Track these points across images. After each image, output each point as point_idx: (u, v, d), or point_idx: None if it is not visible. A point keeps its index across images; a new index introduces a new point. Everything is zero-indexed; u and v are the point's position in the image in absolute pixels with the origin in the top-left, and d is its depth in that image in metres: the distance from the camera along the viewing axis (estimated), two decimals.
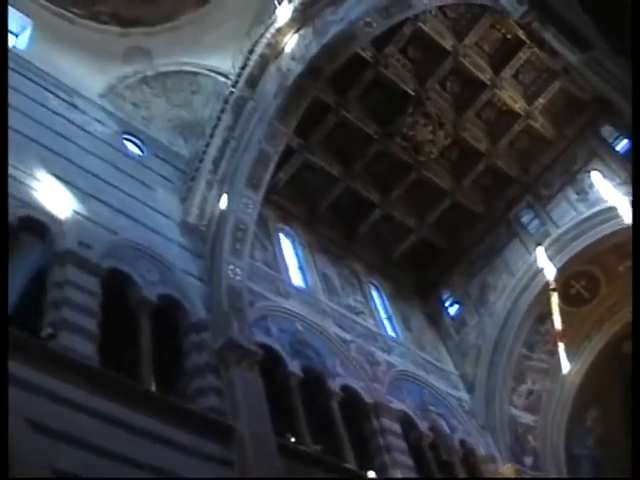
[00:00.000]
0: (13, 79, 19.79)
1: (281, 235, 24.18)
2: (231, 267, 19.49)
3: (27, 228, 16.35)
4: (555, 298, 25.21)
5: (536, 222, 26.47)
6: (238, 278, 19.40)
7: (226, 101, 22.23)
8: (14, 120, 18.22)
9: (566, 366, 25.56)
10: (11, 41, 22.46)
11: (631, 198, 21.80)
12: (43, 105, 20.30)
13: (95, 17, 24.19)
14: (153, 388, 15.54)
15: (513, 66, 25.04)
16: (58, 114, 20.49)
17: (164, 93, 24.09)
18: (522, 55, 24.78)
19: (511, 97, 25.62)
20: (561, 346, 25.52)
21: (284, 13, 21.91)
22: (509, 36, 24.57)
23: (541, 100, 25.85)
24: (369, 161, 25.62)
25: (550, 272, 25.13)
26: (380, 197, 26.33)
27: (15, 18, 22.63)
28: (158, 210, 20.23)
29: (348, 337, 22.09)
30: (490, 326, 25.94)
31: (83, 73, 22.74)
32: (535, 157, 26.93)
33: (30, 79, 20.82)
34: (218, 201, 20.83)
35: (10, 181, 16.36)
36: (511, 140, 26.51)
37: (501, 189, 27.29)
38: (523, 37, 23.89)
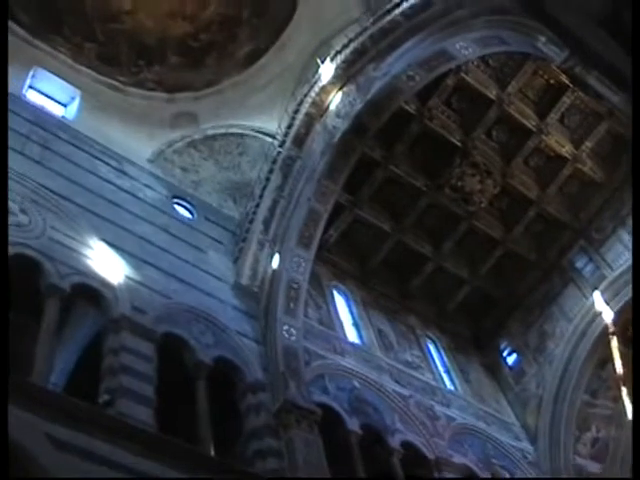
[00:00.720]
0: (63, 148, 20.23)
1: (335, 292, 23.79)
2: (286, 327, 19.21)
3: (81, 295, 16.45)
4: (615, 342, 24.27)
5: (591, 266, 25.68)
6: (293, 338, 19.09)
7: (274, 161, 22.20)
8: (65, 189, 18.59)
9: (631, 411, 24.49)
10: (60, 111, 22.90)
11: None
12: (93, 173, 20.47)
13: (141, 84, 24.67)
14: (212, 452, 15.16)
15: (558, 111, 24.56)
16: (108, 181, 20.63)
17: (212, 156, 24.19)
18: (566, 99, 24.33)
19: (558, 142, 25.09)
20: (624, 391, 24.47)
21: (327, 71, 22.00)
22: (552, 81, 24.17)
23: (588, 143, 25.26)
24: (419, 214, 25.23)
25: (608, 315, 24.25)
26: (432, 249, 25.85)
27: (64, 89, 23.30)
28: (210, 272, 20.09)
29: (406, 392, 21.47)
30: (550, 374, 25.04)
31: (131, 140, 23.01)
32: (585, 201, 26.22)
33: (79, 148, 21.07)
34: (270, 261, 20.65)
35: (63, 249, 16.61)
36: (560, 185, 25.89)
37: (553, 235, 26.59)
38: (566, 81, 23.50)
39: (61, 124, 21.65)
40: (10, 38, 22.42)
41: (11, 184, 17.10)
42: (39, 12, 23.81)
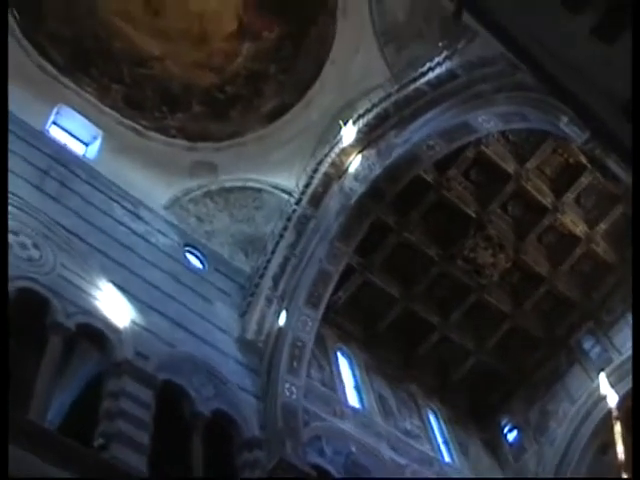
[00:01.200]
0: (81, 187, 20.58)
1: (339, 354, 23.82)
2: (287, 385, 19.25)
3: (85, 335, 16.63)
4: (618, 427, 24.05)
5: (598, 348, 25.65)
6: (294, 397, 19.11)
7: (289, 218, 22.46)
8: (79, 227, 18.85)
9: None
10: (81, 149, 23.29)
11: None
12: (108, 214, 20.75)
13: (163, 130, 25.13)
14: None
15: (575, 190, 24.77)
16: (122, 224, 20.89)
17: (227, 208, 24.48)
18: (584, 180, 24.54)
19: (573, 221, 25.27)
20: (625, 477, 24.18)
21: (349, 134, 22.35)
22: (571, 160, 24.41)
23: (603, 225, 25.42)
24: (429, 283, 25.36)
25: (613, 400, 24.10)
26: (439, 319, 25.89)
27: (87, 128, 23.74)
28: (216, 324, 20.20)
29: (403, 461, 21.32)
30: (550, 454, 24.83)
31: (149, 184, 23.35)
32: (597, 282, 26.33)
33: (97, 188, 21.40)
34: (277, 318, 20.78)
35: (71, 288, 16.78)
36: (572, 264, 26.01)
37: (562, 314, 26.61)
38: (585, 162, 23.77)
39: (81, 163, 22.03)
40: (39, 75, 23.07)
41: (26, 218, 17.46)
42: (70, 51, 24.45)
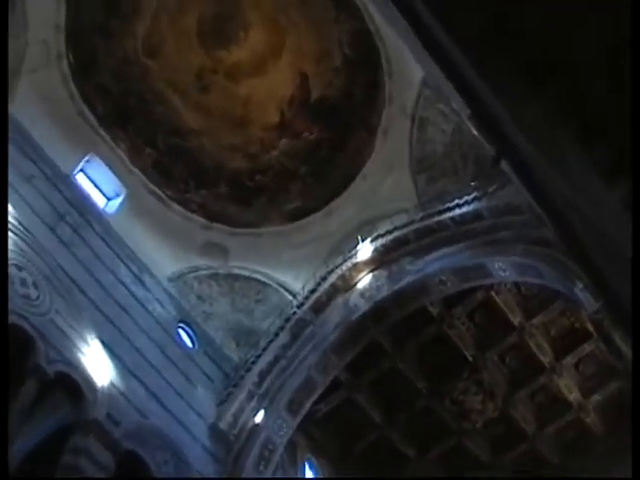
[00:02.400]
0: (93, 239, 21.17)
1: (307, 465, 23.95)
2: None
3: (62, 385, 16.97)
4: None
5: None
6: None
7: (287, 319, 22.97)
8: (81, 278, 19.39)
9: None
10: (102, 202, 24.03)
11: None
12: (112, 272, 21.36)
13: (185, 203, 25.99)
14: None
15: (576, 356, 25.28)
16: (124, 284, 21.47)
17: (230, 294, 25.09)
18: (587, 347, 25.07)
19: (567, 386, 25.69)
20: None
21: (364, 250, 23.01)
22: (577, 325, 25.00)
23: (597, 396, 25.83)
24: (413, 415, 25.63)
25: None
26: (415, 453, 26.08)
27: (112, 183, 24.45)
28: (193, 406, 20.53)
29: None
30: None
31: (159, 253, 24.04)
32: (578, 450, 26.45)
33: (108, 244, 22.06)
34: (254, 415, 21.10)
35: (59, 335, 17.22)
36: (558, 428, 26.30)
37: (536, 474, 26.66)
38: (591, 330, 24.30)
39: (98, 215, 22.77)
40: (78, 120, 24.06)
41: (33, 256, 18.07)
42: (113, 105, 25.53)
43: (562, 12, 7.11)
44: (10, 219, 18.33)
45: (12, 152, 20.23)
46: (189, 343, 23.07)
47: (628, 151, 7.18)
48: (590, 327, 24.17)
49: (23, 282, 17.39)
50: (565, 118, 8.08)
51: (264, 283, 25.26)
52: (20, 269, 17.55)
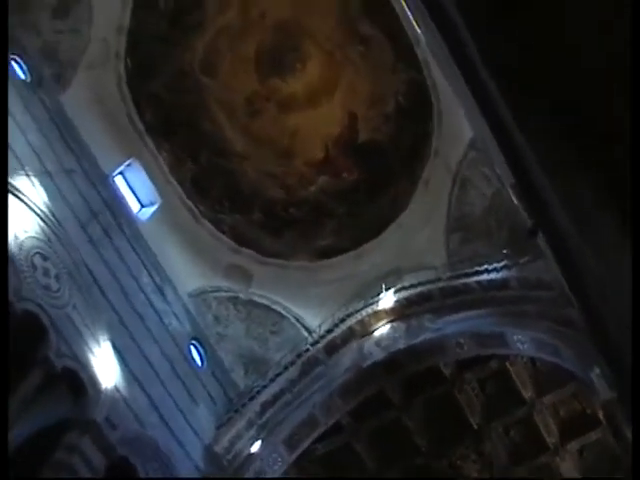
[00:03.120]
0: (121, 242, 21.74)
1: None
2: None
3: (67, 381, 17.20)
4: None
5: None
6: None
7: (299, 355, 23.16)
8: (104, 279, 19.81)
9: None
10: (136, 208, 24.57)
11: None
12: (135, 278, 21.75)
13: (217, 223, 26.49)
14: None
15: (581, 442, 25.16)
16: (144, 292, 21.83)
17: (247, 320, 25.38)
18: (594, 435, 24.94)
19: (568, 469, 25.53)
20: None
21: (387, 300, 23.18)
22: (588, 411, 24.90)
23: None
24: (408, 470, 25.55)
25: None
26: None
27: (148, 191, 25.00)
28: (191, 425, 20.75)
29: None
30: None
31: (184, 267, 24.43)
32: None
33: (135, 249, 22.50)
34: (251, 444, 21.24)
35: (73, 330, 17.50)
36: None
37: None
38: (601, 418, 24.18)
39: (131, 220, 23.21)
40: (126, 124, 24.63)
41: (60, 249, 18.47)
42: (162, 114, 26.13)
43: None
44: (43, 208, 18.84)
45: (56, 143, 20.89)
46: (198, 361, 23.33)
47: None
48: (601, 415, 24.09)
49: (46, 272, 17.75)
50: (611, 200, 8.27)
51: (282, 315, 25.55)
52: (45, 259, 17.92)
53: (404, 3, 19.21)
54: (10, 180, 17.95)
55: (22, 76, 21.61)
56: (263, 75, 29.46)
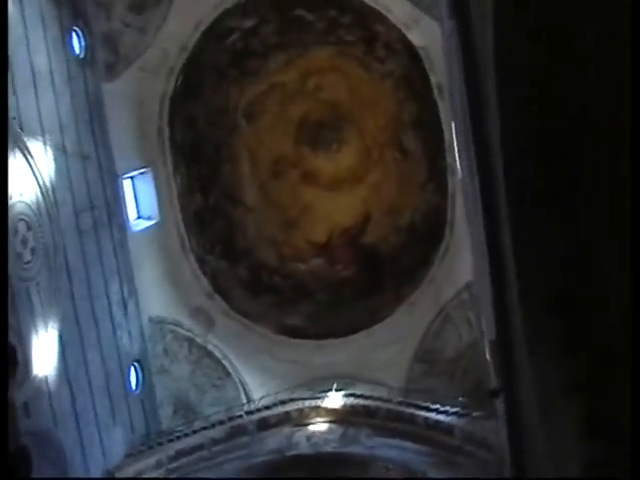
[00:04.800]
0: (105, 243, 22.59)
1: None
2: None
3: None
4: None
5: None
6: None
7: (231, 418, 23.07)
8: (76, 272, 20.40)
9: None
10: (132, 216, 25.17)
11: None
12: (105, 281, 22.28)
13: (201, 262, 26.92)
14: None
15: None
16: (108, 299, 22.34)
17: (194, 365, 25.45)
18: None
19: None
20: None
21: (332, 400, 23.26)
22: None
23: None
24: None
25: None
26: None
27: (151, 206, 25.78)
28: (103, 443, 20.69)
29: None
30: None
31: (154, 291, 24.90)
32: None
33: (116, 255, 23.15)
34: None
35: (28, 307, 17.77)
36: None
37: None
38: None
39: (122, 225, 23.55)
40: (154, 136, 25.18)
41: (46, 225, 18.93)
42: (191, 140, 27.05)
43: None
44: (47, 180, 19.37)
45: (83, 125, 21.51)
46: (133, 385, 23.37)
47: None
48: None
49: (24, 241, 18.06)
50: (577, 396, 8.76)
51: (229, 373, 25.64)
52: (29, 229, 18.29)
53: (454, 135, 19.94)
54: (26, 139, 18.43)
55: (77, 50, 22.40)
56: (299, 141, 30.23)
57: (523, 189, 8.72)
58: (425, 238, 27.44)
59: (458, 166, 20.55)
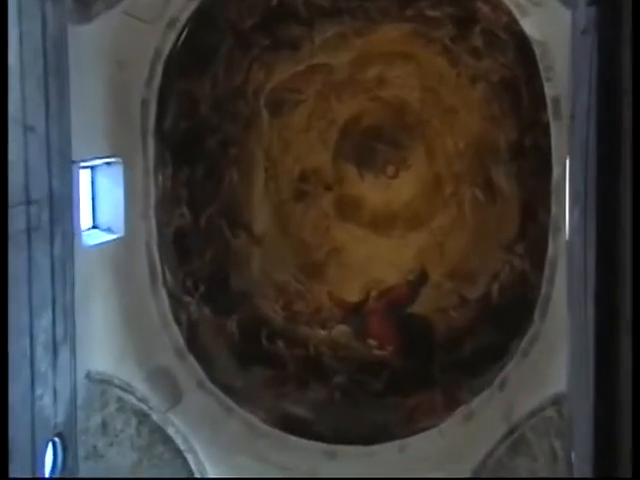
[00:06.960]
0: (41, 255, 21.25)
1: None
2: None
3: None
4: None
5: None
6: None
7: None
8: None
9: None
10: (86, 223, 24.58)
11: None
12: (33, 311, 20.75)
13: (176, 304, 26.22)
14: None
15: None
16: (32, 337, 20.85)
17: (142, 453, 24.02)
18: None
19: None
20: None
21: None
22: None
23: None
24: None
25: None
26: None
27: (114, 215, 25.06)
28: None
29: None
30: None
31: (102, 337, 23.69)
32: None
33: (53, 274, 21.64)
34: None
35: None
36: None
37: None
38: None
39: (69, 234, 22.51)
40: (136, 117, 24.90)
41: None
42: (186, 128, 26.82)
43: None
44: None
45: (31, 84, 20.59)
46: (47, 470, 22.64)
47: None
48: None
49: None
50: None
51: (191, 472, 24.79)
52: None
53: (567, 177, 19.54)
54: None
55: None
56: (340, 153, 30.17)
57: None
58: (503, 320, 27.10)
59: (567, 222, 20.28)
